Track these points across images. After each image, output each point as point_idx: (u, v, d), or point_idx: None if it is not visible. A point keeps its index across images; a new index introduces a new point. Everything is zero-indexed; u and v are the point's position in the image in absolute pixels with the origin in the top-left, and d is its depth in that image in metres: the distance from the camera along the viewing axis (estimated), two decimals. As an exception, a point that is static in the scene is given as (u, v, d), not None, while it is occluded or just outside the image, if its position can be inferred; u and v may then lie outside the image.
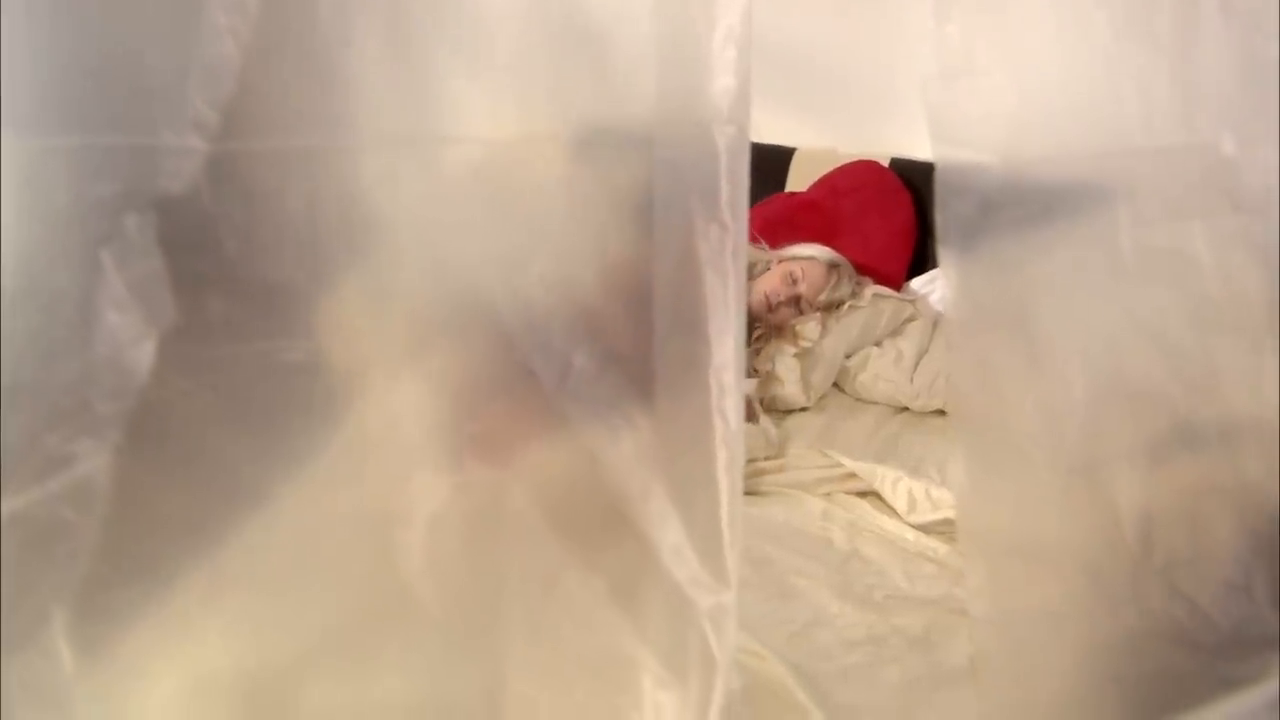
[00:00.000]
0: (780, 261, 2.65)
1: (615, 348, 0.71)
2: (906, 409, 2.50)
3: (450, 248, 0.73)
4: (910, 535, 1.92)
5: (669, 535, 0.72)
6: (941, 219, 0.76)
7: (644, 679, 0.73)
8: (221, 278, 0.71)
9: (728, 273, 0.74)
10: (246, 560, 0.70)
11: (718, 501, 0.72)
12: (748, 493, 2.22)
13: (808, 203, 2.92)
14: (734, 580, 0.72)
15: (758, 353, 2.60)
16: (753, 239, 2.78)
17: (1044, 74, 0.78)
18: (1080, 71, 0.78)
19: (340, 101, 0.74)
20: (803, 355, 2.52)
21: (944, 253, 0.76)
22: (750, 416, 2.28)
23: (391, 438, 0.71)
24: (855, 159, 2.94)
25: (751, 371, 2.61)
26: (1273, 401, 0.74)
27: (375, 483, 0.72)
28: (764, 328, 2.63)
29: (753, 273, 2.70)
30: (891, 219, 2.81)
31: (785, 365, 2.52)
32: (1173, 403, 0.76)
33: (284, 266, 0.71)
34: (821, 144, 3.07)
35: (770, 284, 2.57)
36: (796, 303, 2.55)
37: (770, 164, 3.09)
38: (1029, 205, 0.77)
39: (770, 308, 2.55)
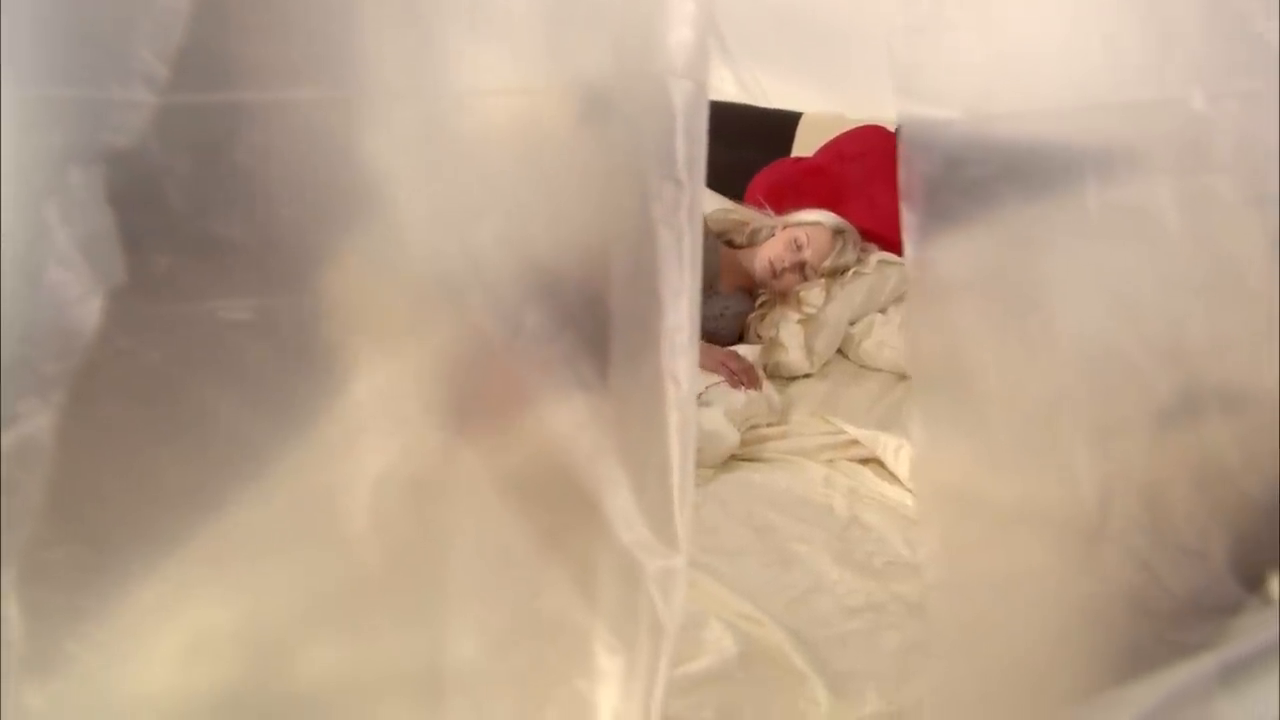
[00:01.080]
0: (785, 227, 2.63)
1: (570, 308, 0.70)
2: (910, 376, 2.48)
3: (404, 203, 0.72)
4: (911, 502, 1.91)
5: (618, 499, 0.71)
6: (904, 176, 0.74)
7: (590, 644, 0.72)
8: (169, 234, 0.70)
9: (683, 232, 0.72)
10: (193, 522, 0.69)
11: (668, 466, 0.71)
12: (750, 459, 2.22)
13: (813, 168, 2.89)
14: (684, 545, 0.71)
15: (762, 319, 2.59)
16: (758, 204, 2.76)
17: (1011, 28, 0.76)
18: (1048, 25, 0.76)
19: (292, 53, 0.72)
20: (806, 322, 2.51)
21: (906, 211, 0.74)
22: (754, 383, 2.27)
23: (341, 400, 0.70)
24: (862, 124, 2.90)
25: (755, 338, 2.60)
26: (1246, 366, 0.72)
27: (321, 445, 0.71)
28: (768, 294, 2.61)
29: (757, 238, 2.68)
30: (898, 184, 2.77)
31: (789, 331, 2.51)
32: (1138, 368, 0.74)
33: (233, 224, 0.70)
34: (828, 109, 3.04)
35: (775, 250, 2.56)
36: (801, 269, 2.53)
37: (776, 129, 3.06)
38: (995, 163, 0.75)
39: (775, 274, 2.53)
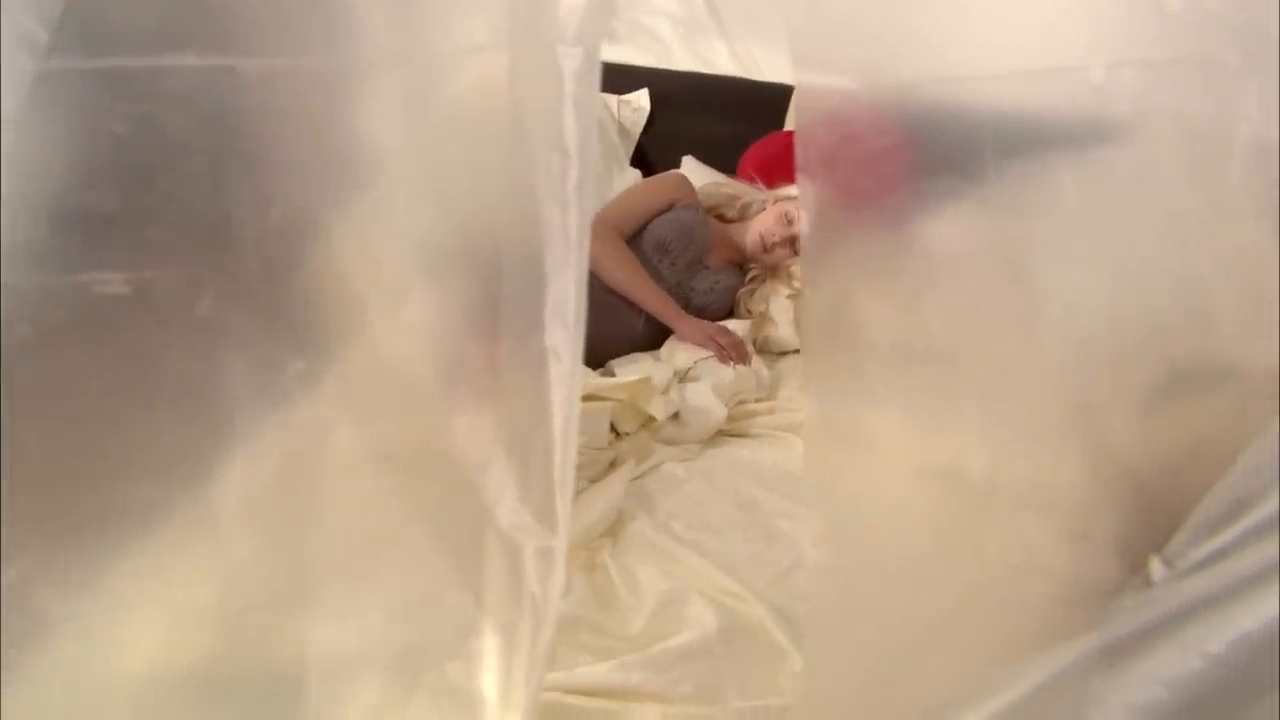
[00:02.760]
0: (776, 201, 2.60)
1: (453, 283, 0.68)
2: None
3: (282, 170, 0.70)
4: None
5: (497, 479, 0.69)
6: (802, 148, 0.71)
7: (465, 625, 0.71)
8: (45, 205, 0.68)
9: (568, 204, 0.70)
10: (69, 497, 0.68)
11: (550, 445, 0.69)
12: (738, 434, 2.20)
13: (806, 141, 2.84)
14: (563, 525, 0.69)
15: (752, 294, 2.57)
16: (749, 178, 2.73)
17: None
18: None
19: (176, 17, 0.70)
20: (797, 296, 2.48)
21: (802, 182, 0.72)
22: (743, 358, 2.25)
23: (213, 372, 0.68)
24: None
25: (745, 313, 2.58)
26: (1135, 350, 0.70)
27: (196, 418, 0.69)
28: (759, 268, 2.59)
29: (748, 213, 2.65)
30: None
31: (779, 306, 2.48)
32: (1034, 348, 0.72)
33: (110, 194, 0.69)
34: (822, 81, 2.98)
35: (765, 224, 2.53)
36: (792, 243, 2.50)
37: (769, 102, 3.02)
38: (893, 133, 0.72)
39: (765, 248, 2.51)
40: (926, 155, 0.71)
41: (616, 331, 2.37)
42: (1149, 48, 0.67)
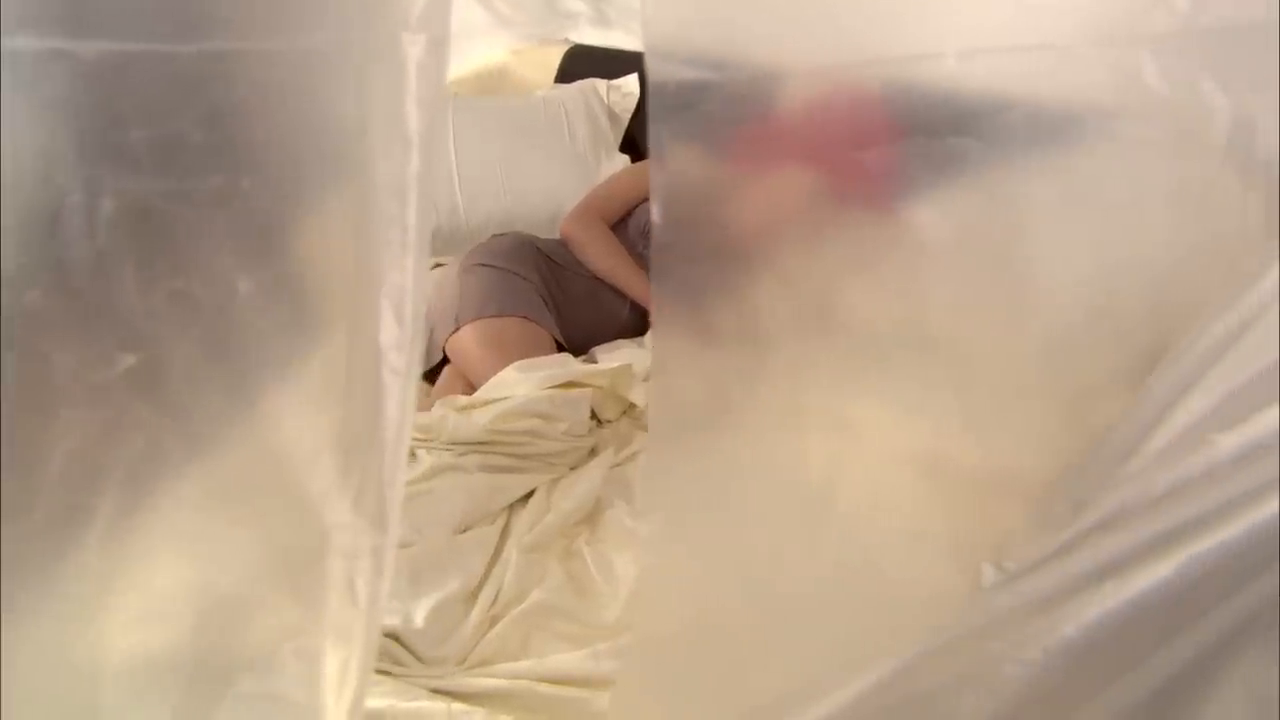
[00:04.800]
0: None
1: (286, 275, 0.66)
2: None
3: (114, 157, 0.69)
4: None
5: (324, 476, 0.67)
6: (654, 141, 0.69)
7: (287, 624, 0.69)
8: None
9: (408, 195, 0.68)
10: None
11: (382, 442, 0.68)
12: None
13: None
14: (392, 523, 0.68)
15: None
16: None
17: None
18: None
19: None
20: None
21: (654, 174, 0.69)
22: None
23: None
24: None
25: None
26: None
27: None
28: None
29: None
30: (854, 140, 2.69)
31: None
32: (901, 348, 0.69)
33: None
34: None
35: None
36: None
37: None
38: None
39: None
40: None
41: (601, 318, 2.36)
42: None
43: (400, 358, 0.67)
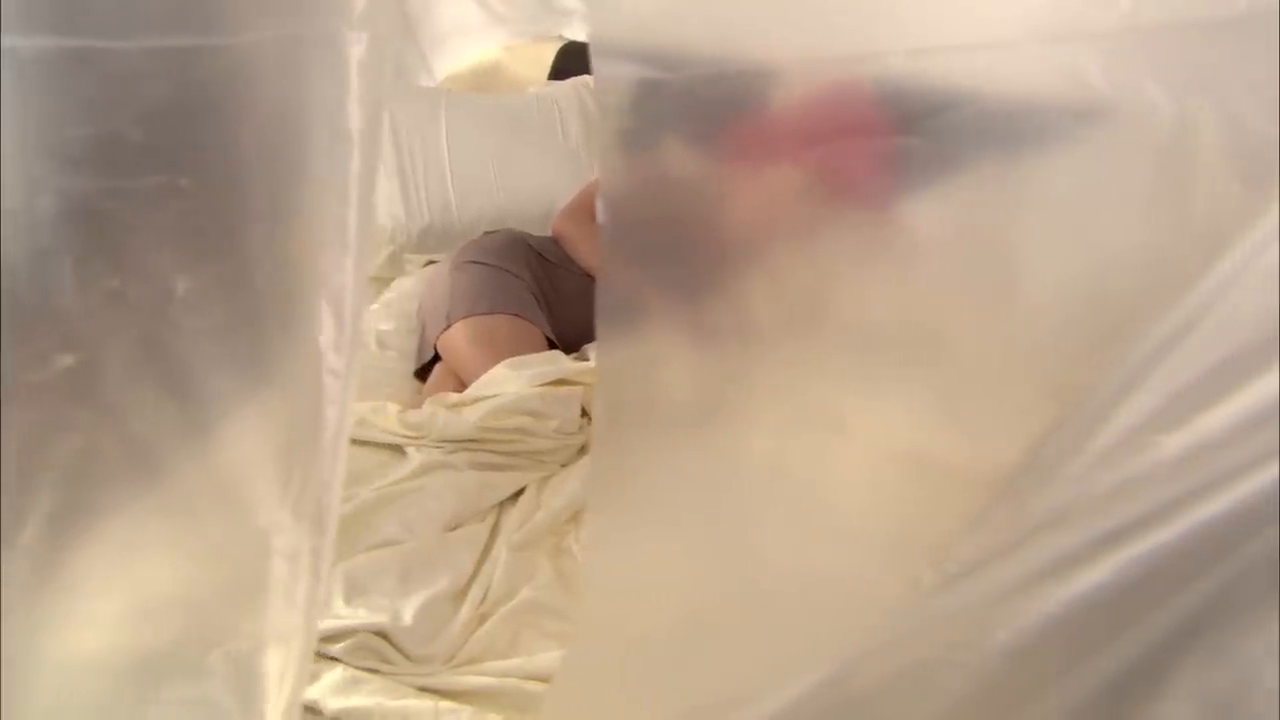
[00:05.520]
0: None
1: (225, 276, 0.66)
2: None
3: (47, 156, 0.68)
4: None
5: (261, 476, 0.67)
6: (600, 141, 0.68)
7: (220, 627, 0.69)
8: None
9: (348, 194, 0.68)
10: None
11: (320, 442, 0.67)
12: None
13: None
14: (330, 524, 0.67)
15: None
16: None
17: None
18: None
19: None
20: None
21: (601, 175, 0.69)
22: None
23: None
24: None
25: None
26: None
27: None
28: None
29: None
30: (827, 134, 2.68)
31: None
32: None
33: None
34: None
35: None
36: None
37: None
38: (700, 122, 0.69)
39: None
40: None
41: (592, 316, 2.33)
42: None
43: (339, 359, 0.67)
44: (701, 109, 0.70)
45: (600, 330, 0.67)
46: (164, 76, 0.68)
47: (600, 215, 0.69)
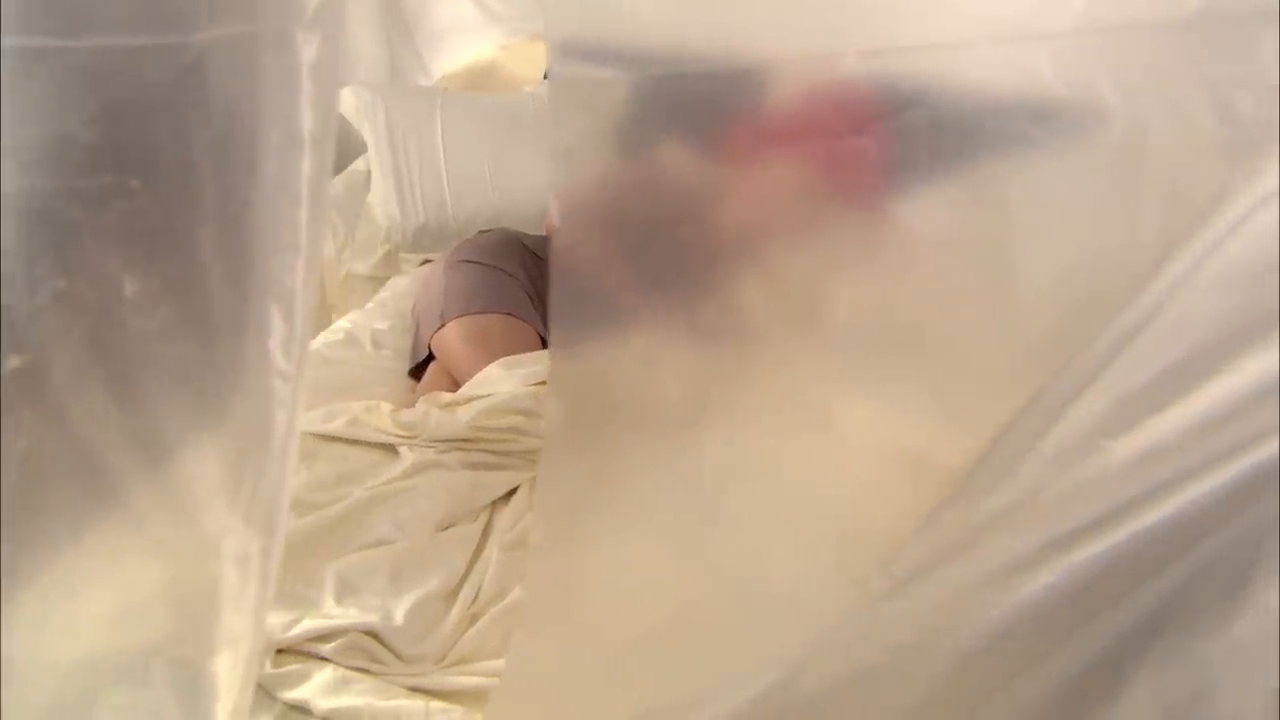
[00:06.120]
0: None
1: (175, 275, 0.66)
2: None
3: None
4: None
5: (213, 481, 0.67)
6: (555, 142, 0.68)
7: (166, 632, 0.69)
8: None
9: (299, 196, 0.67)
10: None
11: (269, 446, 0.67)
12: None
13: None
14: (278, 527, 0.67)
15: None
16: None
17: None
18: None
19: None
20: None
21: (557, 176, 0.69)
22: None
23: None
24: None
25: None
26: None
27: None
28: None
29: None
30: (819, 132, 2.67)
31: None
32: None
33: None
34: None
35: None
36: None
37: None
38: (660, 121, 0.68)
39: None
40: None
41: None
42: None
43: (288, 362, 0.67)
44: (662, 110, 0.69)
45: (553, 333, 0.66)
46: (114, 76, 0.67)
47: (555, 217, 0.68)
